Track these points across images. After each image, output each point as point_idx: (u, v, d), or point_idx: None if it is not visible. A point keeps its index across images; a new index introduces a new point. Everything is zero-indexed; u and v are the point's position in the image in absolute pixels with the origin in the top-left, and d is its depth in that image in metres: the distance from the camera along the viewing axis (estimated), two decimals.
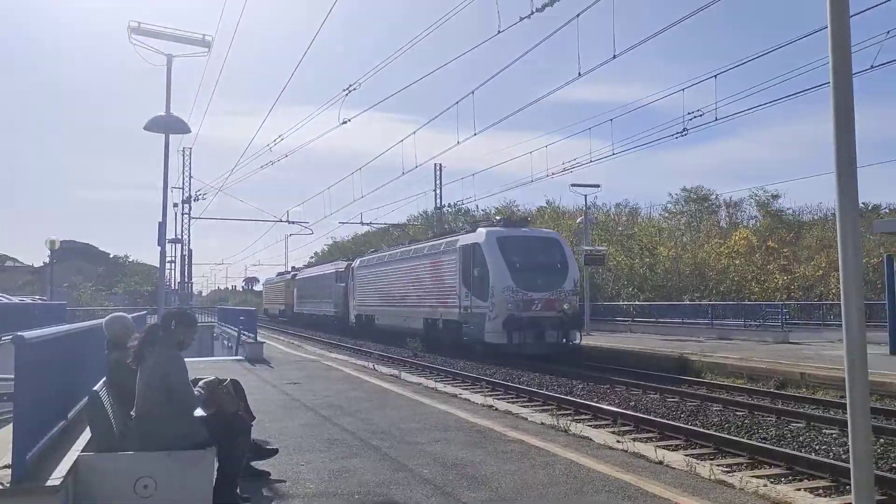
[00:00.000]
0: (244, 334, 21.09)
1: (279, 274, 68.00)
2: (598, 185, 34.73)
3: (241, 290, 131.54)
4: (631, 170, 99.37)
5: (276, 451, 6.52)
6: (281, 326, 49.95)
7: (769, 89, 33.84)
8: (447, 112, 33.24)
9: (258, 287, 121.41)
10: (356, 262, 36.76)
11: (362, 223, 49.21)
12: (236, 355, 20.66)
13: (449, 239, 25.64)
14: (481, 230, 22.96)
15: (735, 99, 41.94)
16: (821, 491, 7.10)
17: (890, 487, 6.88)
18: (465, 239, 23.58)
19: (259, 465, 6.16)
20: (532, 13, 12.42)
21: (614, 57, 14.97)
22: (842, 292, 3.60)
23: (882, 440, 9.09)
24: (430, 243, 27.35)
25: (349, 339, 32.79)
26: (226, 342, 27.61)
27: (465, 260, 22.74)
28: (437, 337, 25.31)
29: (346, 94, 18.74)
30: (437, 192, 44.38)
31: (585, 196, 34.23)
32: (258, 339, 20.07)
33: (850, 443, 3.53)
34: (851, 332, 3.53)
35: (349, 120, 21.08)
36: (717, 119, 18.79)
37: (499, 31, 13.26)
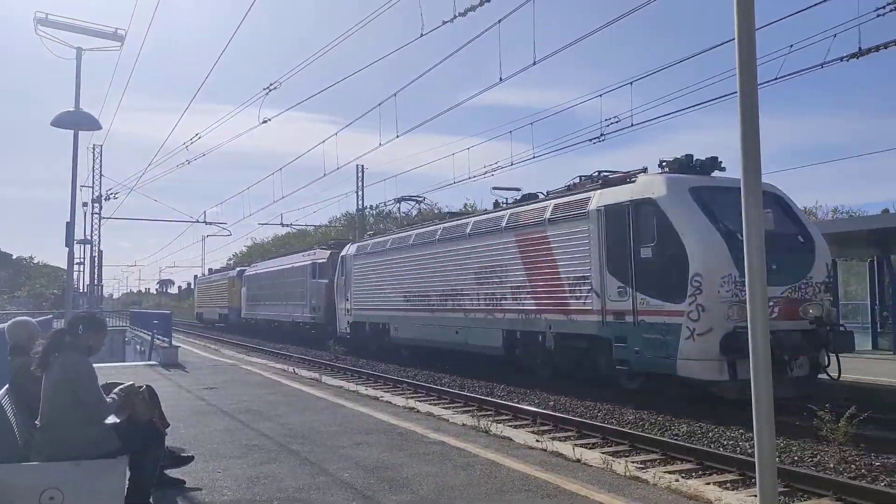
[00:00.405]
0: (158, 338, 20.54)
1: (219, 270, 58.10)
2: (518, 189, 35.20)
3: (155, 292, 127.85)
4: (551, 173, 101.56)
5: (191, 459, 6.36)
6: (223, 336, 39.82)
7: (681, 97, 34.99)
8: (369, 114, 32.89)
9: (173, 290, 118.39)
10: (350, 249, 26.23)
11: (282, 224, 48.66)
12: (150, 360, 20.10)
13: (563, 199, 14.90)
14: (654, 178, 12.81)
15: (649, 106, 43.44)
16: (729, 484, 7.39)
17: (792, 480, 7.22)
18: (608, 196, 13.39)
19: (174, 473, 6.00)
20: (455, 17, 12.51)
21: (535, 63, 15.21)
22: (747, 293, 3.76)
23: (785, 435, 9.52)
24: (511, 210, 17.00)
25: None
26: (138, 347, 26.76)
27: (617, 230, 12.94)
28: (538, 361, 15.71)
29: (267, 93, 18.43)
30: (360, 193, 44.21)
31: (507, 199, 34.74)
32: (173, 343, 19.60)
33: (755, 438, 3.68)
34: (756, 332, 3.69)
35: (269, 119, 20.74)
36: (632, 125, 19.14)
37: (422, 34, 13.29)
